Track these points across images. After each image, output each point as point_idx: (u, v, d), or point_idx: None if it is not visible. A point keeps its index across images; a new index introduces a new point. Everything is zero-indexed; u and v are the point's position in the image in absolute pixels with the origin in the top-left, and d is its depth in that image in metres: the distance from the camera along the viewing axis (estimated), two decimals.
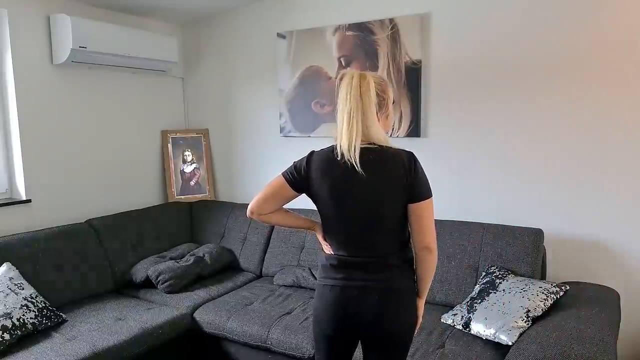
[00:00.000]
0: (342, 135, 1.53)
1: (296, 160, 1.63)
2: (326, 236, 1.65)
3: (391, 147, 1.56)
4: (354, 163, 1.50)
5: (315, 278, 2.88)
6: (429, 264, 1.60)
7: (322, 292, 1.63)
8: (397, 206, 1.55)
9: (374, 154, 1.53)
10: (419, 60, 2.93)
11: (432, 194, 1.58)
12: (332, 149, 1.57)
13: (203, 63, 3.83)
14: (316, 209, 1.65)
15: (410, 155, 1.56)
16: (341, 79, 1.58)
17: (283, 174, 1.62)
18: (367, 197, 1.54)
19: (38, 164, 2.96)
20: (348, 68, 3.14)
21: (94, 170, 3.29)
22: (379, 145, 1.55)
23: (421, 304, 1.68)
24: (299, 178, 1.60)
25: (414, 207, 1.55)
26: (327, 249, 1.65)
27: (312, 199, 1.63)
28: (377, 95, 1.56)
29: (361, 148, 1.51)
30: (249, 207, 1.65)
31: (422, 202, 1.55)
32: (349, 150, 1.50)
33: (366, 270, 1.57)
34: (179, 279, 2.94)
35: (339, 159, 1.53)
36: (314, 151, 1.62)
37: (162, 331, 2.54)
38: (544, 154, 2.69)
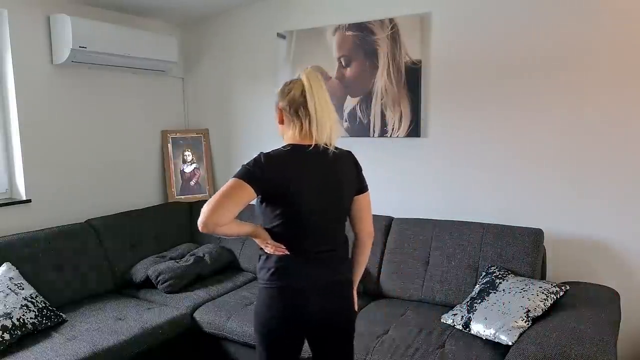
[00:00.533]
0: (319, 131, 1.57)
1: (247, 164, 1.56)
2: (292, 236, 1.60)
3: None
4: (335, 157, 1.60)
5: None
6: (368, 250, 1.77)
7: (283, 293, 1.59)
8: (350, 200, 1.69)
9: (334, 151, 1.62)
10: (418, 60, 2.93)
11: None
12: (297, 147, 1.59)
13: (203, 63, 3.83)
14: (271, 211, 1.59)
15: (349, 151, 1.72)
16: (292, 82, 1.62)
17: (242, 178, 1.51)
18: (335, 191, 1.62)
19: (38, 164, 2.96)
20: (348, 68, 3.14)
21: (94, 170, 3.29)
22: (334, 146, 1.63)
23: (355, 293, 1.75)
24: (262, 177, 1.52)
25: (361, 198, 1.70)
26: (280, 251, 1.59)
27: (275, 201, 1.57)
28: None
29: (325, 146, 1.60)
30: (202, 220, 1.46)
31: (366, 192, 1.72)
32: (325, 147, 1.59)
33: (329, 264, 1.64)
34: (179, 279, 2.94)
35: (319, 156, 1.58)
36: (265, 152, 1.58)
37: (162, 331, 2.54)
38: (544, 154, 2.69)
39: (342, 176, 1.63)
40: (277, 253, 1.59)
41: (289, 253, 1.59)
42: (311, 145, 1.58)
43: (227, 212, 1.47)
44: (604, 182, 2.57)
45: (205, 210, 1.47)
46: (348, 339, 1.70)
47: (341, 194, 1.63)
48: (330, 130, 1.58)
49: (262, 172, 1.52)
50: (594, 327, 1.96)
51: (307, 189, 1.56)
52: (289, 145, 1.61)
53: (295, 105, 1.58)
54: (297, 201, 1.55)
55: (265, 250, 1.62)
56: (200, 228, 1.48)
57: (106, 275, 2.98)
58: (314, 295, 1.59)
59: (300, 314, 1.59)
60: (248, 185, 1.50)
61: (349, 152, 1.71)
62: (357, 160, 1.72)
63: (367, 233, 1.76)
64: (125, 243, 3.14)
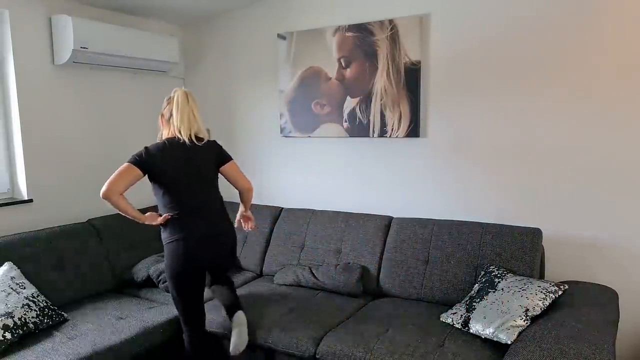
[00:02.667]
0: (180, 130, 2.28)
1: (134, 154, 2.24)
2: (174, 201, 2.27)
3: (204, 138, 2.38)
4: (195, 145, 2.31)
5: (316, 277, 2.90)
6: (249, 197, 2.58)
7: (183, 242, 2.25)
8: (214, 170, 2.42)
9: (200, 141, 2.35)
10: (418, 61, 2.94)
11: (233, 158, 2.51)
12: (168, 140, 2.29)
13: (204, 63, 3.85)
14: (157, 186, 2.30)
15: (215, 141, 2.47)
16: (169, 97, 2.34)
17: (129, 162, 2.20)
18: (202, 166, 2.35)
19: (39, 164, 2.98)
20: (348, 69, 3.16)
21: (95, 170, 3.30)
22: (201, 137, 2.36)
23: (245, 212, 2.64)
24: (145, 161, 2.22)
25: (226, 167, 2.45)
26: (167, 217, 2.28)
27: (156, 178, 2.26)
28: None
29: (196, 137, 2.33)
30: (104, 189, 2.14)
31: (229, 162, 2.47)
32: (189, 139, 2.29)
33: (207, 220, 2.33)
34: None
35: (181, 145, 2.28)
36: (147, 146, 2.26)
37: (163, 330, 2.55)
38: (543, 154, 2.70)
39: (201, 157, 2.34)
40: (167, 218, 2.27)
41: (174, 214, 2.26)
42: (178, 139, 2.29)
43: (122, 184, 2.17)
44: (603, 182, 2.58)
45: (106, 182, 2.15)
46: (228, 268, 2.65)
47: (201, 169, 2.34)
48: (191, 132, 2.30)
49: (144, 158, 2.23)
50: (593, 326, 1.97)
51: (177, 167, 2.26)
52: (165, 139, 2.32)
53: (168, 114, 2.33)
54: (171, 176, 2.26)
55: (159, 222, 2.29)
56: (102, 194, 2.14)
57: (107, 274, 2.99)
58: (200, 243, 2.28)
59: (193, 257, 2.26)
60: (135, 167, 2.21)
61: (214, 141, 2.46)
62: (217, 144, 2.46)
63: (245, 188, 2.52)
64: (126, 243, 3.16)
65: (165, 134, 2.36)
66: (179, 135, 2.28)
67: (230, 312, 2.45)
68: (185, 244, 2.25)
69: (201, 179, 2.34)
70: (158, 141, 2.32)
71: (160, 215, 2.32)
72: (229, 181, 2.50)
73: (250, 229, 2.65)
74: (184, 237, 2.25)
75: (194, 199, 2.30)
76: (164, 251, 2.30)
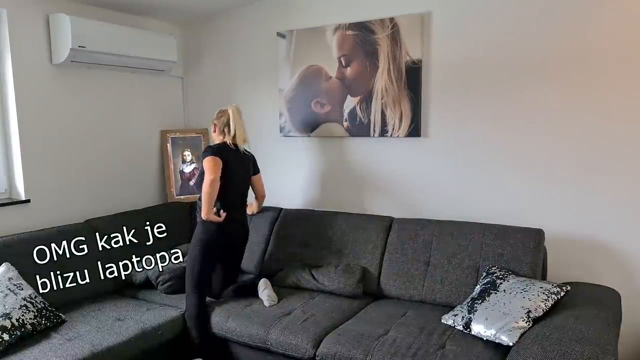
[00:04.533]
0: (235, 138, 2.78)
1: (209, 150, 2.68)
2: (226, 194, 2.69)
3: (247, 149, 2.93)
4: (243, 154, 2.86)
5: (315, 278, 2.88)
6: (262, 202, 3.18)
7: (226, 225, 2.72)
8: (250, 176, 2.96)
9: (244, 151, 2.88)
10: (419, 60, 2.92)
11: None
12: (226, 145, 2.77)
13: (203, 63, 3.83)
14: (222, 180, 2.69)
15: (252, 153, 3.00)
16: (222, 111, 2.83)
17: (212, 155, 2.64)
18: (247, 171, 2.91)
19: (37, 164, 2.96)
20: (348, 68, 3.14)
21: (93, 170, 3.29)
22: (246, 148, 2.91)
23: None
24: (220, 154, 2.68)
25: (255, 177, 3.00)
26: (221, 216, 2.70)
27: (223, 174, 2.66)
28: None
29: (238, 148, 2.84)
30: (211, 177, 2.58)
31: (259, 174, 3.04)
32: (242, 147, 2.84)
33: (241, 210, 2.90)
34: (179, 280, 2.93)
35: (235, 151, 2.79)
36: (210, 145, 2.79)
37: (161, 332, 2.54)
38: (544, 154, 2.69)
39: (247, 164, 2.89)
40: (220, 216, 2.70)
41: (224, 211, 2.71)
42: (232, 146, 2.79)
43: (218, 171, 2.62)
44: (605, 182, 2.56)
45: (209, 173, 2.60)
46: (244, 248, 2.99)
47: (247, 173, 2.90)
48: (242, 141, 2.81)
49: (219, 152, 2.69)
50: (595, 327, 1.96)
51: (234, 167, 2.74)
52: (222, 143, 2.79)
53: (223, 125, 2.80)
54: (229, 173, 2.70)
55: (222, 219, 2.69)
56: (211, 180, 2.57)
57: (105, 275, 2.96)
58: (232, 227, 2.78)
59: (227, 235, 2.75)
60: (218, 158, 2.65)
61: (251, 154, 2.97)
62: (254, 157, 3.00)
63: (262, 195, 3.12)
64: (124, 243, 3.12)
65: (218, 139, 2.82)
66: (232, 143, 2.77)
67: (253, 284, 2.82)
68: (225, 224, 2.70)
69: (245, 181, 2.90)
70: (212, 144, 2.81)
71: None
72: (252, 187, 3.01)
73: (250, 212, 3.15)
74: (225, 220, 2.69)
75: (237, 195, 2.83)
76: (201, 228, 2.72)
